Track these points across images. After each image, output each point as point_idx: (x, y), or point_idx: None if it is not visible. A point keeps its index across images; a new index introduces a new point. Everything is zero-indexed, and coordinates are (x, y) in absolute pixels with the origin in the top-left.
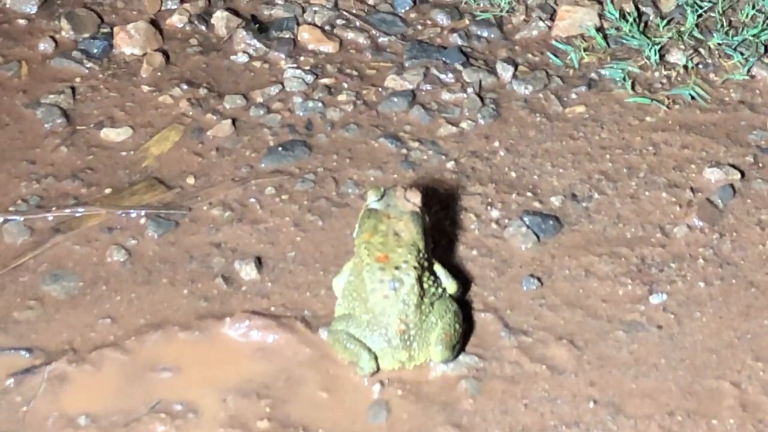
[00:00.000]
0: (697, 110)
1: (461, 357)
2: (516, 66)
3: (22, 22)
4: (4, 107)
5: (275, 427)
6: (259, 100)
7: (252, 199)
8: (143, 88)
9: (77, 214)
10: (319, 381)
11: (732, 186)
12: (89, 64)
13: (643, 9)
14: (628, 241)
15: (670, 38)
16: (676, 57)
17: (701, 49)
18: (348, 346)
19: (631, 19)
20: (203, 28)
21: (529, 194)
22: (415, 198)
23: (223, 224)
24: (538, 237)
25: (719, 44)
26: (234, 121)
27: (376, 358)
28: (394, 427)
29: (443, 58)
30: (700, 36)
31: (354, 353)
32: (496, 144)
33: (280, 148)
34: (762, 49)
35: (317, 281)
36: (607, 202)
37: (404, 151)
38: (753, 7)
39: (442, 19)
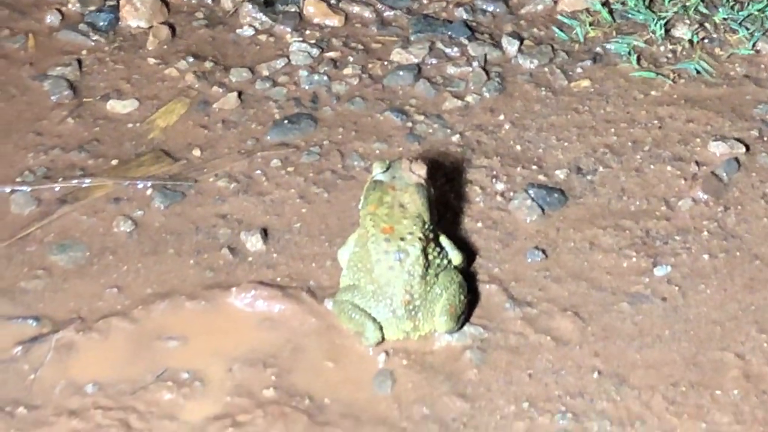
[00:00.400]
0: (702, 84)
1: (466, 328)
2: (521, 40)
3: None
4: (11, 79)
5: (281, 396)
6: (265, 73)
7: (258, 172)
8: (149, 60)
9: (84, 185)
10: (324, 351)
11: (737, 159)
12: (95, 37)
13: None
14: (633, 214)
15: (675, 13)
16: (682, 31)
17: (706, 24)
18: (353, 317)
19: None
20: (209, 1)
21: (534, 167)
22: (421, 170)
23: (229, 196)
24: (543, 210)
25: (724, 19)
26: (240, 94)
27: (381, 329)
28: (399, 397)
29: (449, 32)
30: (705, 11)
31: (359, 323)
32: (501, 118)
33: (285, 121)
34: (767, 24)
35: (322, 252)
36: (611, 175)
37: (409, 124)
38: None
39: None
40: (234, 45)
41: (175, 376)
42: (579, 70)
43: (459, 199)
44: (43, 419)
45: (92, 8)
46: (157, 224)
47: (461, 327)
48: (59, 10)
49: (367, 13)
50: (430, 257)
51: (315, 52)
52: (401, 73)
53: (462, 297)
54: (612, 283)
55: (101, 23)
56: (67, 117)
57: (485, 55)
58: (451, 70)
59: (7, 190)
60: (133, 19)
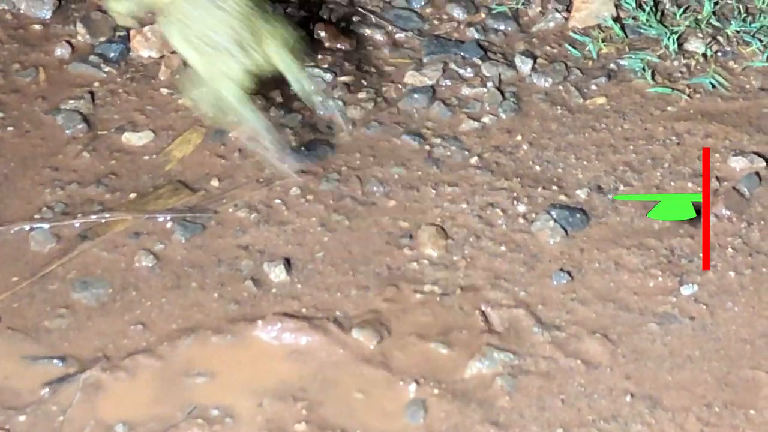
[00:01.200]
0: (718, 99)
1: (495, 354)
2: (534, 59)
3: (37, 27)
4: (24, 114)
5: (313, 429)
6: (279, 99)
7: (277, 200)
8: (162, 90)
9: (103, 221)
10: (354, 382)
11: (757, 174)
12: (107, 68)
13: None
14: (656, 232)
15: (687, 27)
16: (695, 45)
17: (719, 37)
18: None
19: (647, 8)
20: None
21: (554, 188)
22: None
23: (249, 226)
24: (566, 230)
25: (737, 31)
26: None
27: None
28: (431, 427)
29: (461, 53)
30: (717, 24)
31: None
32: (519, 138)
33: (302, 148)
34: None
35: (347, 281)
36: (633, 193)
37: (427, 147)
38: None
39: (458, 13)
40: None
41: (205, 413)
42: (594, 87)
43: (481, 222)
44: None
45: (102, 39)
46: (178, 257)
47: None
48: (69, 42)
49: (379, 36)
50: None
51: (328, 76)
52: (416, 95)
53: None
54: (639, 304)
55: (112, 54)
56: (83, 151)
57: (499, 74)
58: (465, 91)
59: (27, 227)
60: (144, 49)
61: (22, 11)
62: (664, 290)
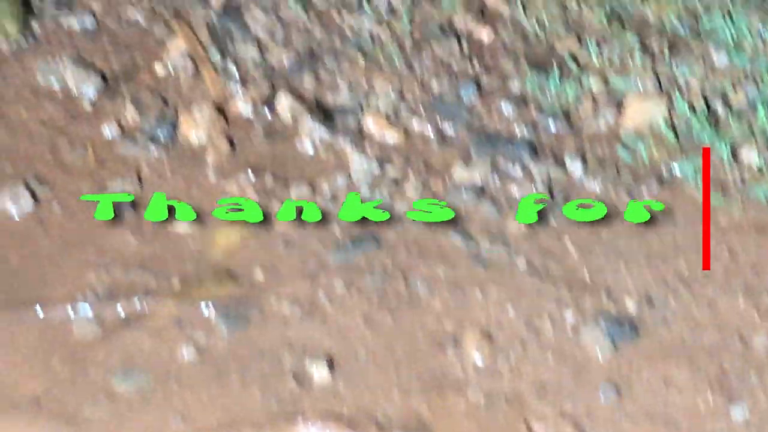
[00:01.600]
0: None
1: None
2: (585, 160)
3: (86, 105)
4: (73, 193)
5: None
6: (326, 189)
7: (321, 295)
8: (209, 175)
9: (146, 307)
10: None
11: None
12: (154, 150)
13: (713, 103)
14: (707, 349)
15: (741, 135)
16: (749, 156)
17: None
18: None
19: (701, 114)
20: (267, 114)
21: (603, 297)
22: None
23: (292, 321)
24: (614, 343)
25: None
26: (301, 212)
27: None
28: None
29: (511, 151)
30: None
31: None
32: (568, 242)
33: (348, 242)
34: None
35: (390, 383)
36: (683, 307)
37: (474, 248)
38: None
39: (508, 109)
40: (293, 159)
41: None
42: (644, 192)
43: (528, 329)
44: None
45: (151, 120)
46: (220, 349)
47: None
48: (117, 122)
49: (427, 129)
50: None
51: (376, 168)
52: (464, 192)
53: None
54: (689, 424)
55: (160, 136)
56: (128, 234)
57: (549, 175)
58: (514, 190)
59: (69, 310)
60: (192, 131)
61: (71, 89)
62: (715, 411)
